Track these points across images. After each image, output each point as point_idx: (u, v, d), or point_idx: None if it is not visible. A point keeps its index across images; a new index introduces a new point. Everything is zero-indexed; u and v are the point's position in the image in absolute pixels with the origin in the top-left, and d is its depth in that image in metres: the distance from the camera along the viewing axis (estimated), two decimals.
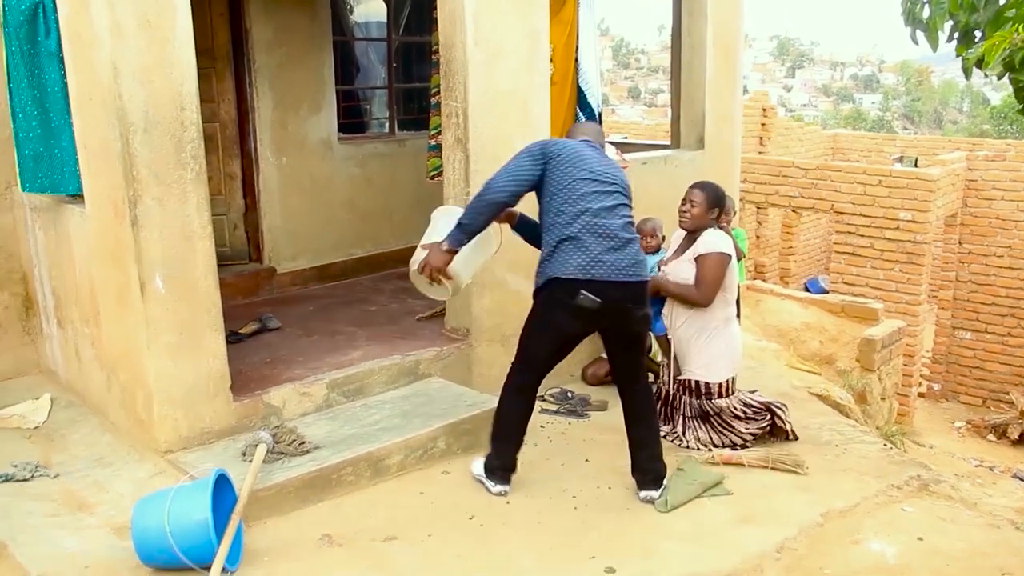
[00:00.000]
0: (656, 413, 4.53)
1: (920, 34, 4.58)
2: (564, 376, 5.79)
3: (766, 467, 4.68)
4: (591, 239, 4.07)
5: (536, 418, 5.17)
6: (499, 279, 5.36)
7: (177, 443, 4.31)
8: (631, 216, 4.29)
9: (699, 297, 4.83)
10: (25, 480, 4.21)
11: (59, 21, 4.40)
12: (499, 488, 4.30)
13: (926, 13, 4.43)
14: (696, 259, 4.86)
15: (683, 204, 4.95)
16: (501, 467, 4.33)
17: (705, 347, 4.93)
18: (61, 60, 4.49)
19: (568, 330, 4.23)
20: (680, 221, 4.99)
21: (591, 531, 4.00)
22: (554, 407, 5.40)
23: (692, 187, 4.97)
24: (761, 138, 15.25)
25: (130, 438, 4.56)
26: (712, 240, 4.87)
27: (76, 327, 5.03)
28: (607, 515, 4.16)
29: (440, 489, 4.34)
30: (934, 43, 4.51)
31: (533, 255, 5.48)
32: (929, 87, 61.84)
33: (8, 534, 3.73)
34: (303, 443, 4.32)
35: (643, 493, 4.30)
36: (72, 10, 4.21)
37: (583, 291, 4.04)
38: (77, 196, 4.70)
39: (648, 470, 4.33)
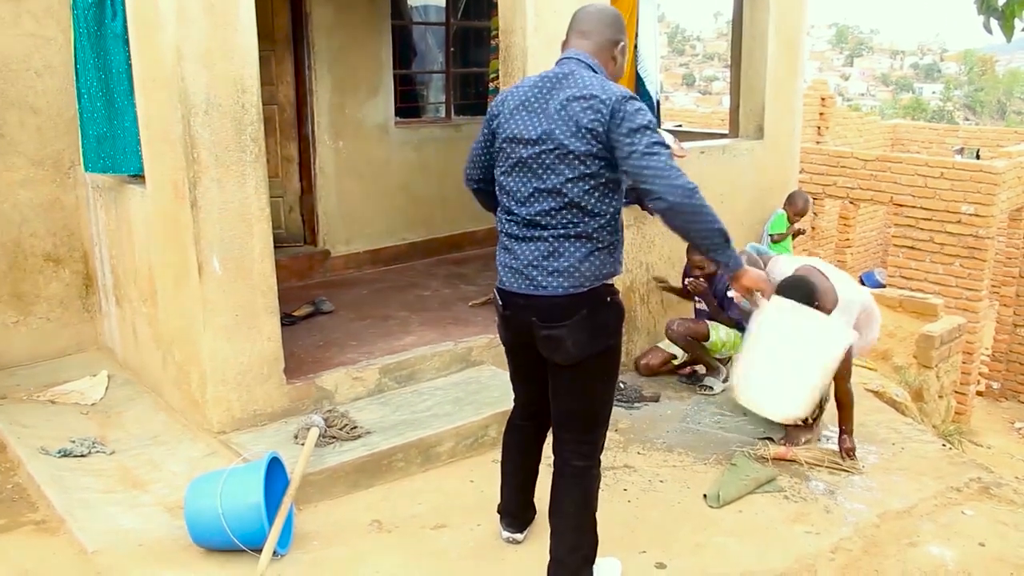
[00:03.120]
0: (578, 501, 3.25)
1: (994, 23, 4.44)
2: None
3: (821, 465, 4.60)
4: (500, 231, 3.26)
5: None
6: None
7: (230, 424, 4.36)
8: (565, 191, 2.99)
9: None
10: (82, 456, 4.27)
11: (125, 4, 4.45)
12: (505, 534, 3.74)
13: (1001, 1, 4.29)
14: None
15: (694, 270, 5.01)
16: (502, 510, 3.77)
17: None
18: (126, 42, 4.55)
19: (504, 340, 3.41)
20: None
21: (642, 525, 3.96)
22: None
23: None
24: (819, 128, 14.99)
25: (184, 417, 4.62)
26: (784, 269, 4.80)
27: (134, 306, 5.09)
28: (658, 509, 4.12)
29: (490, 478, 4.31)
30: (1009, 32, 4.37)
31: None
32: (993, 77, 60.33)
33: (66, 508, 3.80)
34: (355, 428, 4.33)
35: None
36: None
37: (495, 291, 3.30)
38: (138, 176, 4.76)
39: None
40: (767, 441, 4.81)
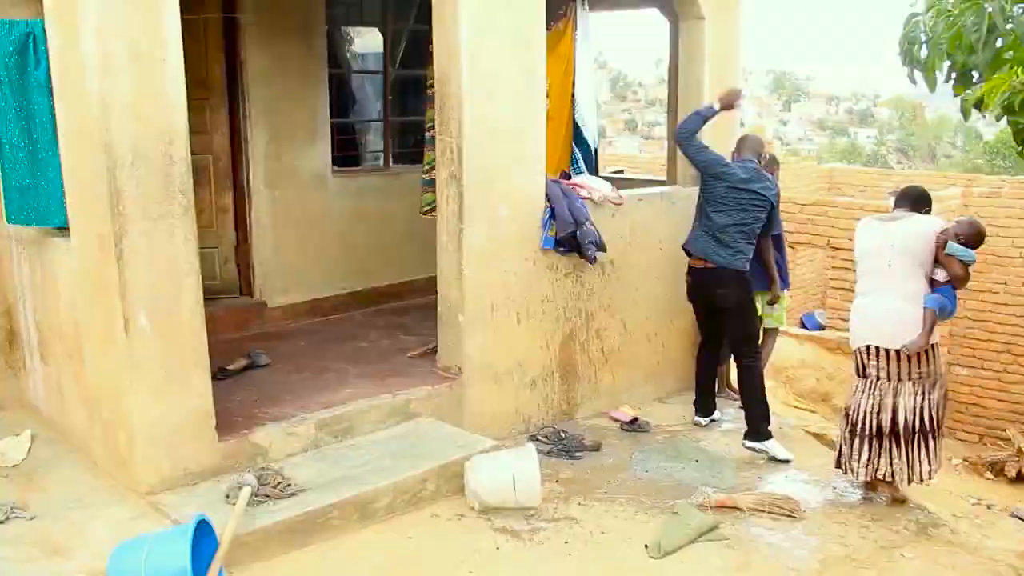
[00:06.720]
0: (747, 384, 5.56)
1: (918, 73, 4.54)
2: (557, 414, 5.71)
3: (762, 511, 4.59)
4: None
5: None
6: (491, 317, 5.28)
7: (159, 484, 4.21)
8: (741, 219, 5.55)
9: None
10: None
11: (49, 52, 4.35)
12: (696, 419, 5.96)
13: (923, 53, 4.40)
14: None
15: None
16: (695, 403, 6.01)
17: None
18: (50, 91, 4.44)
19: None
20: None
21: None
22: (546, 448, 5.29)
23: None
24: None
25: (111, 478, 4.46)
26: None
27: (59, 362, 4.93)
28: (600, 562, 4.07)
29: (429, 534, 4.24)
30: (931, 83, 4.47)
31: (524, 293, 5.43)
32: (923, 122, 62.12)
33: None
34: (289, 485, 4.22)
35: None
36: (63, 41, 4.17)
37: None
38: (63, 229, 4.63)
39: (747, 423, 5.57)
40: (708, 489, 4.79)
